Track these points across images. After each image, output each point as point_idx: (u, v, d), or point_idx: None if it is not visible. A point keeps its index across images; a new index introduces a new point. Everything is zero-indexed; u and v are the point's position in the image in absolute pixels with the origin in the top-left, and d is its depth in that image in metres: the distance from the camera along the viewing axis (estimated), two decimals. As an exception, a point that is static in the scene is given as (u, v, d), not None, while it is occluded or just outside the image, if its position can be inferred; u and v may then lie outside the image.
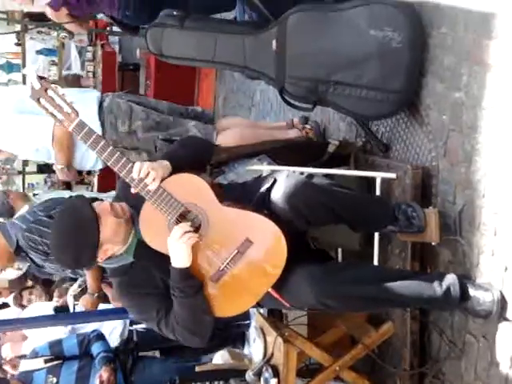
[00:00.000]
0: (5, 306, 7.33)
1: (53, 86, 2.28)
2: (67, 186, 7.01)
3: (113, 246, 2.29)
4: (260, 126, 4.03)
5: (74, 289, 4.11)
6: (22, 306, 5.52)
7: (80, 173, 3.57)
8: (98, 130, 3.26)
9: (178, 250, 2.21)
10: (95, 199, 2.37)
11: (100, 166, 3.54)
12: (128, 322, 4.29)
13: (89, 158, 3.46)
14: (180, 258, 2.22)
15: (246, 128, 3.69)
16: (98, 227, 2.21)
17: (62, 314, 3.96)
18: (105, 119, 3.36)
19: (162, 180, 2.25)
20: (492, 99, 2.27)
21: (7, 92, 3.79)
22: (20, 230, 3.22)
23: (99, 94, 3.57)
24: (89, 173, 6.62)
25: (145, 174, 2.21)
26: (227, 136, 3.47)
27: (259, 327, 2.75)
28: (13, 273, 4.72)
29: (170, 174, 2.29)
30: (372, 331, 2.76)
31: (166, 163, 2.31)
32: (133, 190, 2.24)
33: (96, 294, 4.04)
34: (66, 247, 2.25)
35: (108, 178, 5.31)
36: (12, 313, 6.02)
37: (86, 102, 3.34)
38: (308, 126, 3.64)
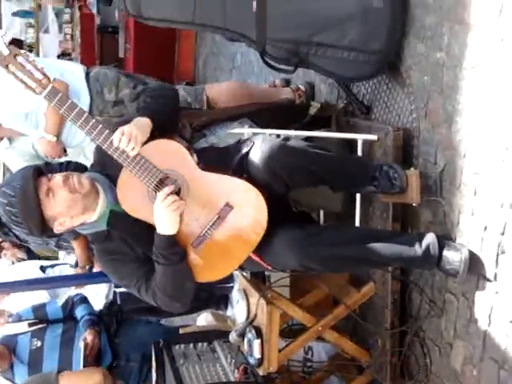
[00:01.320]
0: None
1: (22, 51, 2.23)
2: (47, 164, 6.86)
3: (70, 218, 2.28)
4: (253, 86, 3.98)
5: None
6: None
7: (65, 151, 3.43)
8: (87, 99, 3.17)
9: (167, 218, 2.20)
10: (78, 165, 2.34)
11: (87, 142, 3.37)
12: (113, 285, 4.31)
13: (76, 134, 3.31)
14: (167, 226, 2.21)
15: (239, 87, 3.64)
16: (37, 205, 2.20)
17: (49, 277, 3.95)
18: (91, 87, 3.24)
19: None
20: (473, 59, 2.26)
21: None
22: (0, 205, 3.19)
23: (83, 66, 3.41)
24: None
25: (126, 143, 2.18)
26: (219, 92, 3.39)
27: (242, 289, 2.76)
28: None
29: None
30: (354, 292, 2.79)
31: (146, 121, 2.27)
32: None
33: (87, 266, 4.04)
34: (20, 220, 2.26)
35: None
36: None
37: (73, 72, 3.23)
38: (302, 88, 3.59)
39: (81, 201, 2.25)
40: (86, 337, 3.46)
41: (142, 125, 2.26)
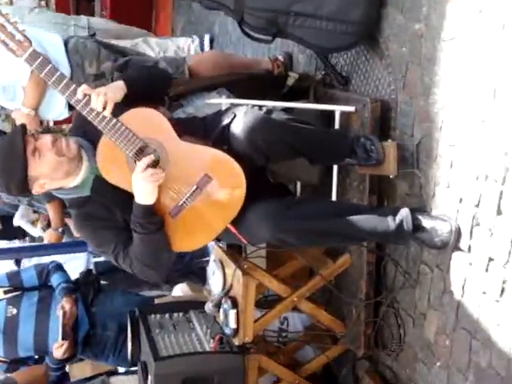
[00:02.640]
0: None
1: (4, 13, 2.19)
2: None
3: (51, 181, 2.27)
4: (234, 56, 3.94)
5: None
6: None
7: (41, 123, 3.38)
8: (67, 72, 3.09)
9: (144, 188, 2.19)
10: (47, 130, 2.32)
11: (66, 115, 3.34)
12: (91, 257, 4.29)
13: (52, 108, 3.25)
14: (145, 196, 2.20)
15: (220, 56, 3.59)
16: (24, 162, 2.18)
17: (29, 246, 3.91)
18: (71, 59, 3.18)
19: (118, 105, 2.19)
20: (451, 31, 2.25)
21: None
22: None
23: (60, 36, 3.33)
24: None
25: (95, 100, 2.15)
26: (200, 62, 3.35)
27: (218, 260, 2.76)
28: None
29: (129, 101, 2.24)
30: (329, 263, 2.80)
31: (120, 83, 2.27)
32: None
33: (60, 229, 4.01)
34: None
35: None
36: None
37: (52, 42, 3.16)
38: (280, 58, 3.55)
39: (66, 164, 2.24)
40: (63, 305, 3.44)
41: (113, 85, 2.27)
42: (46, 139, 2.23)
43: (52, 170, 2.23)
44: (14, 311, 3.52)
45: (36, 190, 2.28)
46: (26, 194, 2.35)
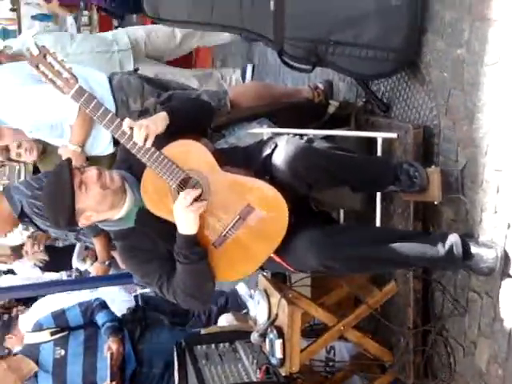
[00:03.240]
0: (10, 272, 7.41)
1: (51, 51, 2.26)
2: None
3: (97, 214, 2.31)
4: (275, 86, 3.97)
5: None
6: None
7: (87, 159, 3.45)
8: (112, 107, 3.17)
9: (186, 218, 2.21)
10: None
11: (110, 150, 3.39)
12: (138, 288, 4.32)
13: (98, 144, 3.33)
14: (187, 226, 2.22)
15: (261, 87, 3.63)
16: (72, 196, 2.22)
17: (71, 279, 3.96)
18: (116, 96, 3.25)
19: (158, 136, 2.23)
20: (494, 55, 2.23)
21: (11, 67, 3.65)
22: (24, 196, 3.23)
23: (105, 74, 3.41)
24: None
25: (137, 133, 2.19)
26: (242, 94, 3.39)
27: (263, 289, 2.76)
28: (17, 237, 4.73)
29: (172, 133, 2.27)
30: (375, 291, 2.77)
31: (163, 114, 2.31)
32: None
33: (107, 262, 4.06)
34: (47, 211, 2.32)
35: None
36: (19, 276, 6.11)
37: (96, 79, 3.25)
38: (320, 86, 3.57)
39: (110, 197, 2.28)
40: (109, 345, 3.47)
41: (156, 117, 2.30)
42: (92, 172, 2.27)
43: (97, 203, 2.27)
44: (62, 352, 3.56)
45: (82, 222, 2.32)
46: (73, 228, 2.40)
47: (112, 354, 3.43)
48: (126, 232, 2.37)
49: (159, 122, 2.29)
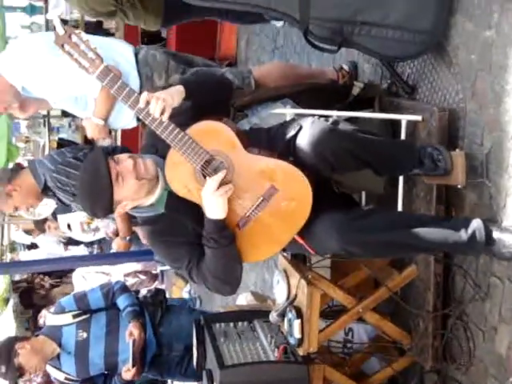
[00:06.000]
0: (34, 246, 7.54)
1: (77, 31, 2.25)
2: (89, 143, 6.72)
3: (132, 201, 2.30)
4: (300, 66, 3.94)
5: None
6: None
7: (110, 132, 3.45)
8: (137, 82, 3.17)
9: (215, 203, 2.21)
10: (123, 150, 2.35)
11: (134, 124, 3.39)
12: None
13: (122, 118, 3.31)
14: (216, 211, 2.22)
15: (285, 67, 3.60)
16: (111, 191, 2.21)
17: (93, 255, 4.01)
18: (141, 71, 3.22)
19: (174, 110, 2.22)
20: (523, 38, 2.20)
21: (40, 36, 3.59)
22: (48, 170, 3.26)
23: (131, 46, 3.39)
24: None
25: (154, 105, 2.18)
26: (267, 74, 3.35)
27: (283, 270, 2.77)
28: (44, 209, 4.79)
29: (195, 114, 2.26)
30: (395, 274, 2.77)
31: (179, 88, 2.29)
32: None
33: (128, 238, 4.10)
34: (83, 199, 2.28)
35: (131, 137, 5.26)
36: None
37: (123, 54, 3.23)
38: (345, 68, 3.53)
39: (147, 185, 2.28)
40: (131, 331, 3.50)
41: (172, 90, 2.28)
42: (128, 163, 2.25)
43: (134, 193, 2.27)
44: (85, 335, 3.61)
45: (119, 211, 2.33)
46: (109, 214, 2.40)
47: (134, 340, 3.47)
48: (154, 217, 2.38)
49: (175, 94, 2.28)
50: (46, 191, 3.36)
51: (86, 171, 2.28)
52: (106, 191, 2.21)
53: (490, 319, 2.46)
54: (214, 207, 2.21)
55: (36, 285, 7.00)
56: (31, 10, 8.02)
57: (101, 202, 2.24)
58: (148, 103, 2.20)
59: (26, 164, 3.63)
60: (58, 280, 6.96)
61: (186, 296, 6.13)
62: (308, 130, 2.25)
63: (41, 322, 4.49)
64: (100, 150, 2.34)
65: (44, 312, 4.63)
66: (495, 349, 2.43)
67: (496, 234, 2.22)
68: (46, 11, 7.38)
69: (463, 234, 2.22)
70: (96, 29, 7.12)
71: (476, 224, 2.24)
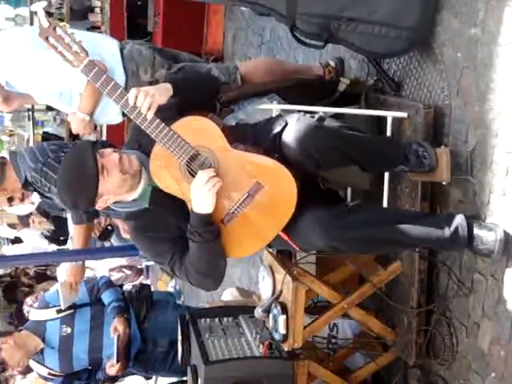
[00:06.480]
0: (18, 240, 7.49)
1: (62, 24, 2.23)
2: (75, 138, 6.69)
3: (114, 196, 2.30)
4: (286, 62, 3.94)
5: None
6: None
7: (95, 128, 3.42)
8: (122, 77, 3.14)
9: (203, 197, 2.20)
10: (105, 144, 2.34)
11: (119, 120, 3.37)
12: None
13: (107, 113, 3.28)
14: (204, 205, 2.22)
15: (273, 63, 3.60)
16: (97, 181, 2.20)
17: (77, 249, 3.97)
18: (126, 66, 3.20)
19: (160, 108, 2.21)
20: (509, 35, 2.21)
21: (25, 30, 3.59)
22: (28, 168, 3.23)
23: (117, 41, 3.36)
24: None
25: (142, 100, 2.17)
26: (253, 69, 3.34)
27: (268, 265, 2.77)
28: (26, 207, 4.76)
29: (180, 109, 2.26)
30: (380, 270, 2.77)
31: (167, 85, 2.29)
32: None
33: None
34: (66, 194, 2.27)
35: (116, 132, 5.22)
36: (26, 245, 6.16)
37: (109, 49, 3.20)
38: (331, 64, 3.54)
39: (129, 180, 2.27)
40: (116, 327, 3.49)
41: (160, 87, 2.28)
42: (114, 156, 2.25)
43: (117, 187, 2.26)
44: (69, 330, 3.60)
45: (100, 205, 2.31)
46: (90, 208, 2.39)
47: (119, 335, 3.46)
48: (138, 212, 2.37)
49: (163, 92, 2.28)
50: (26, 186, 3.34)
51: (71, 162, 2.27)
52: (92, 182, 2.20)
53: (473, 315, 2.48)
54: (202, 201, 2.21)
55: (19, 282, 6.95)
56: (15, 2, 7.96)
57: (86, 192, 2.23)
58: (136, 98, 2.19)
59: (7, 155, 3.59)
60: (43, 267, 6.88)
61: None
62: (293, 126, 2.26)
63: (25, 312, 4.44)
64: (89, 144, 2.32)
65: (28, 301, 4.59)
66: (478, 344, 2.45)
67: (476, 231, 2.24)
68: (31, 3, 7.32)
69: (446, 230, 2.24)
70: (81, 19, 7.06)
71: (459, 220, 2.25)
